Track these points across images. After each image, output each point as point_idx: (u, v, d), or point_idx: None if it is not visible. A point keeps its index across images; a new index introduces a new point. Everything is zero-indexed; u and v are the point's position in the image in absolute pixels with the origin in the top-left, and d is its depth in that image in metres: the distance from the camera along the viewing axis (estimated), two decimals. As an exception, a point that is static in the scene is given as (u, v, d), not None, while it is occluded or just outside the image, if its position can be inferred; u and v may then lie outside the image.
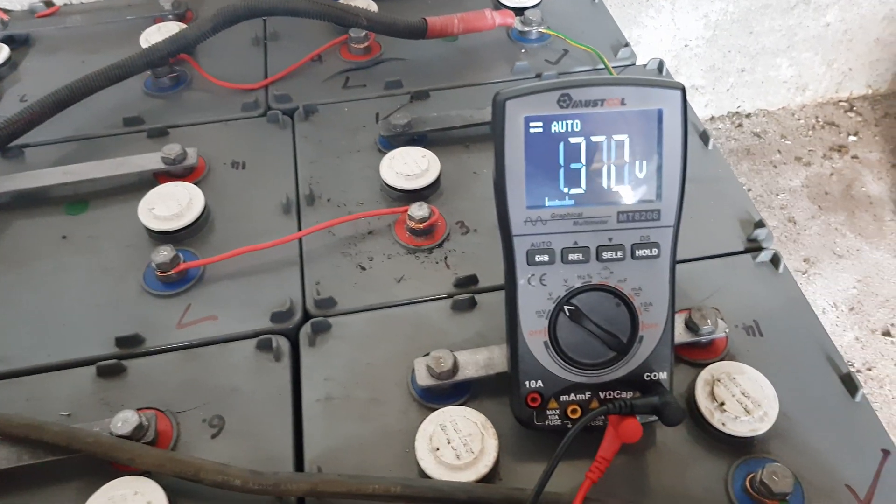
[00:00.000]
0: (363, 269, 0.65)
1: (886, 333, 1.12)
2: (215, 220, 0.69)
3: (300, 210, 0.70)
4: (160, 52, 0.78)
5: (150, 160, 0.72)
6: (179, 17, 0.91)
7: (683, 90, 0.47)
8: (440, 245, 0.66)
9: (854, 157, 1.36)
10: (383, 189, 0.70)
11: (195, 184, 0.71)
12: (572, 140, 0.47)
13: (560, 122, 0.47)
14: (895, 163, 1.36)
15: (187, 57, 0.83)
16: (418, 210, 0.65)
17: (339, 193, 0.71)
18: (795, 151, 1.36)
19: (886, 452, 0.53)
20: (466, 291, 0.62)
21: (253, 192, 0.72)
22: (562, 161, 0.47)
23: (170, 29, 0.87)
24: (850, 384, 0.56)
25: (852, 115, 1.43)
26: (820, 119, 1.41)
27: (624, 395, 0.50)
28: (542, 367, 0.50)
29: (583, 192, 0.48)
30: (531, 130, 0.46)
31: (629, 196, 0.48)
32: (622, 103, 0.46)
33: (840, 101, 1.45)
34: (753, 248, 0.66)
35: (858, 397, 0.55)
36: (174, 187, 0.69)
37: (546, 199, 0.47)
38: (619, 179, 0.48)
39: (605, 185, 0.48)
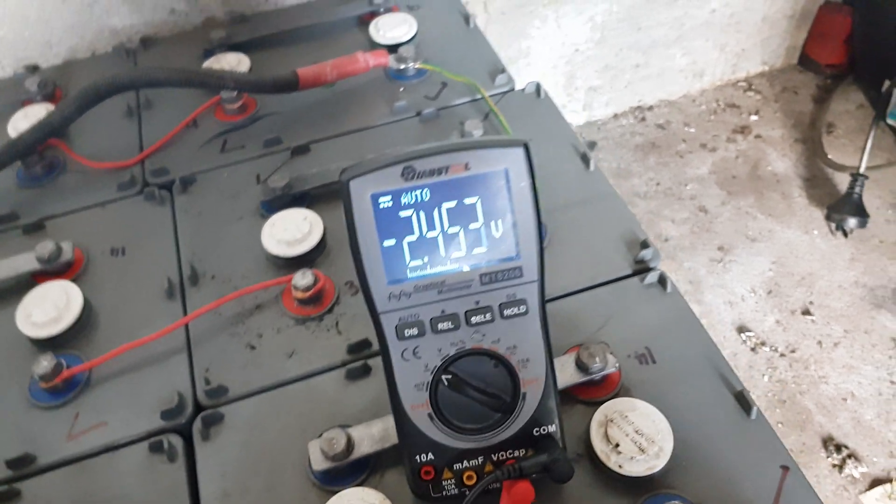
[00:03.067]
0: (253, 347, 0.63)
1: (806, 312, 1.14)
2: (99, 316, 0.67)
3: (184, 292, 0.68)
4: (25, 142, 0.75)
5: (25, 261, 0.69)
6: (48, 97, 0.88)
7: (526, 146, 0.46)
8: (330, 311, 0.65)
9: (757, 136, 1.39)
10: (268, 258, 0.69)
11: (73, 279, 0.68)
12: (424, 210, 0.46)
13: (408, 194, 0.46)
14: (798, 137, 1.38)
15: (57, 142, 0.80)
16: (302, 279, 0.64)
17: (223, 268, 0.69)
18: (700, 138, 1.38)
19: (785, 468, 0.53)
20: (359, 357, 0.61)
21: (134, 279, 0.69)
22: (416, 232, 0.46)
23: (37, 112, 0.83)
24: (743, 402, 0.56)
25: (751, 93, 1.45)
26: (721, 102, 1.43)
27: (517, 453, 0.50)
28: (429, 440, 0.49)
29: (443, 259, 0.47)
30: (381, 206, 0.45)
31: (489, 257, 0.47)
32: (467, 168, 0.45)
33: (738, 81, 1.48)
34: (641, 269, 0.66)
35: (753, 414, 0.56)
36: (49, 288, 0.66)
37: (407, 271, 0.46)
38: (477, 242, 0.47)
39: (463, 249, 0.47)
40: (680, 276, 1.18)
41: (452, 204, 0.46)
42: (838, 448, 0.98)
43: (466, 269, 0.47)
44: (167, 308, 0.67)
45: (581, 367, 0.56)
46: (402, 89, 0.85)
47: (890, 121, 1.36)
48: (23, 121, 0.83)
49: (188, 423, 0.59)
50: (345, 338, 0.63)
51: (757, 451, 0.54)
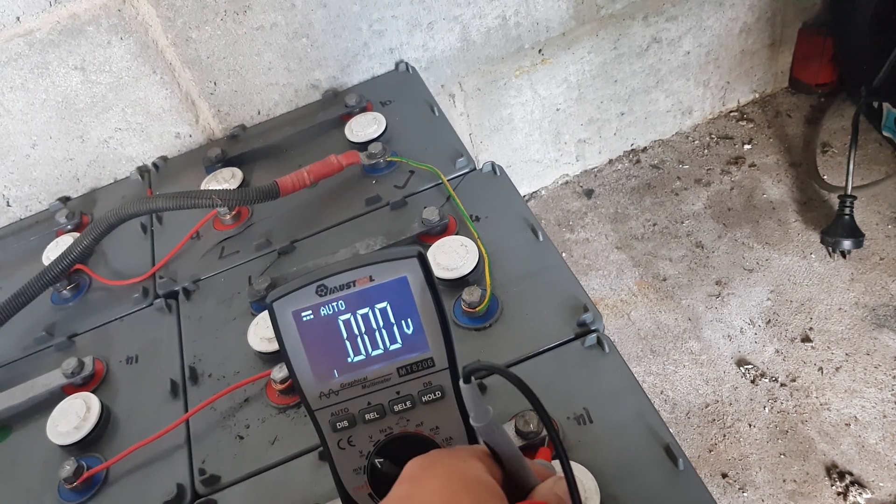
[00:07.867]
0: (241, 438, 0.72)
1: (805, 339, 1.14)
2: (117, 420, 0.77)
3: (186, 391, 0.77)
4: (53, 271, 0.88)
5: (55, 377, 0.80)
6: (76, 227, 1.01)
7: (420, 255, 0.53)
8: (306, 399, 0.73)
9: (752, 165, 1.40)
10: (255, 354, 0.78)
11: (94, 389, 0.79)
12: (342, 318, 0.53)
13: (326, 307, 0.53)
14: (792, 161, 1.39)
15: (81, 266, 0.92)
16: (279, 372, 0.72)
17: (219, 366, 0.78)
18: (694, 174, 1.40)
19: (710, 516, 0.58)
20: (330, 440, 0.69)
21: (146, 383, 0.79)
22: (337, 337, 0.54)
23: (67, 242, 0.96)
24: (671, 454, 0.61)
25: (744, 122, 1.46)
26: (714, 135, 1.45)
27: (454, 521, 0.56)
28: (372, 517, 0.56)
29: (363, 358, 0.54)
30: (303, 319, 0.53)
31: (403, 352, 0.54)
32: (371, 279, 0.53)
33: (730, 112, 1.49)
34: (583, 332, 0.71)
35: (681, 465, 0.60)
36: (72, 401, 0.77)
37: (334, 371, 0.54)
38: (391, 340, 0.54)
39: (380, 348, 0.54)
40: (679, 315, 1.20)
41: (365, 311, 0.54)
42: (842, 475, 0.98)
43: (385, 364, 0.54)
44: (172, 407, 0.76)
45: (519, 433, 0.62)
46: (374, 182, 0.94)
47: (886, 133, 1.35)
48: (54, 250, 0.96)
49: (187, 512, 0.68)
50: (319, 422, 0.71)
51: (684, 502, 0.59)
